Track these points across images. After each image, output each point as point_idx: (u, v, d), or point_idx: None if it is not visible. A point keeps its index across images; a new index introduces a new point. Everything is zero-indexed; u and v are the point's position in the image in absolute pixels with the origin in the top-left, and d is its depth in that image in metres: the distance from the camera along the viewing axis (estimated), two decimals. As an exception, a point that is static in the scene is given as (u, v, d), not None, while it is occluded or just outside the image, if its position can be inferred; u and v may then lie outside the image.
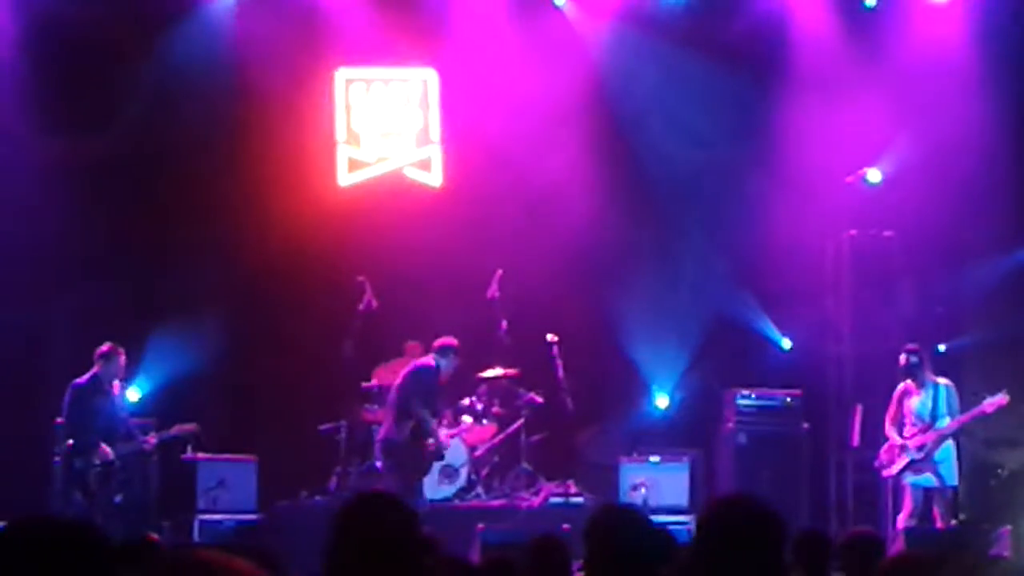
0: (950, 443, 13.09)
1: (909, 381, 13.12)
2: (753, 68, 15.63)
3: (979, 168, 15.23)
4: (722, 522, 3.81)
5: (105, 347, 12.99)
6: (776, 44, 15.86)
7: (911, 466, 13.03)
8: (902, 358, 13.16)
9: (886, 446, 13.22)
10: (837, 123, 15.18)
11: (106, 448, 12.77)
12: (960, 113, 15.16)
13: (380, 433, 13.50)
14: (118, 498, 12.89)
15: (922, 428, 13.00)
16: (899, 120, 15.40)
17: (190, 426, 13.37)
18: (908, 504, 13.03)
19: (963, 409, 13.02)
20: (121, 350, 13.07)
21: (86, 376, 12.95)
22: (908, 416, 13.09)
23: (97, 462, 12.68)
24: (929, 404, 13.01)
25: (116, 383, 13.08)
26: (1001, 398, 12.91)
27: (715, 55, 15.51)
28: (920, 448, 12.96)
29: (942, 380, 13.13)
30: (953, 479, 13.12)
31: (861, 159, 15.49)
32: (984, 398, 13.00)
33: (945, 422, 12.96)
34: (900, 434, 13.10)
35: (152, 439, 13.21)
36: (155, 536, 7.29)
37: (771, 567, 3.73)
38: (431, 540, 6.05)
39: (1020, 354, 15.33)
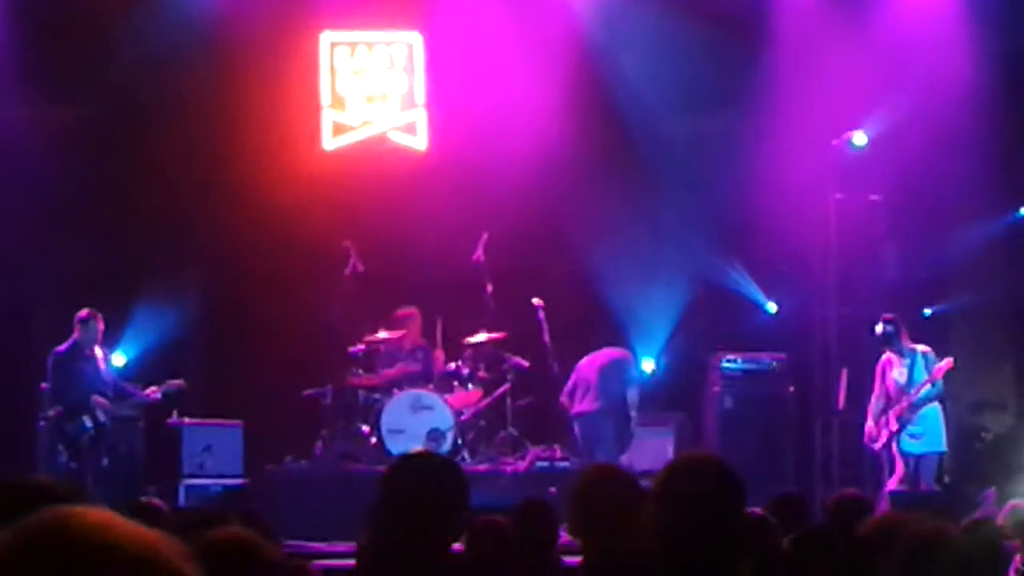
0: (936, 407, 13.12)
1: (889, 352, 13.17)
2: (738, 32, 15.56)
3: (966, 131, 15.21)
4: (677, 480, 3.81)
5: (83, 313, 13.03)
6: (761, 7, 15.82)
7: (898, 434, 13.08)
8: (877, 327, 13.21)
9: (869, 423, 13.29)
10: (823, 86, 15.16)
11: (101, 399, 12.83)
12: (947, 76, 15.14)
13: (577, 408, 14.09)
14: (105, 461, 12.95)
15: (900, 397, 13.06)
16: (885, 83, 15.38)
17: (178, 382, 13.42)
18: (900, 468, 13.08)
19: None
20: (99, 315, 13.10)
21: (66, 343, 12.99)
22: (891, 388, 13.15)
23: (89, 425, 12.75)
24: (906, 373, 13.07)
25: (97, 348, 13.11)
26: (947, 362, 13.05)
27: (701, 19, 15.43)
28: (898, 418, 13.02)
29: (920, 347, 13.19)
30: (940, 445, 13.15)
31: (847, 122, 15.46)
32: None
33: (925, 390, 13.02)
34: (887, 407, 13.13)
35: (154, 392, 13.29)
36: (158, 501, 7.26)
37: (728, 523, 3.73)
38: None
39: (1005, 318, 15.38)
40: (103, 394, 13.00)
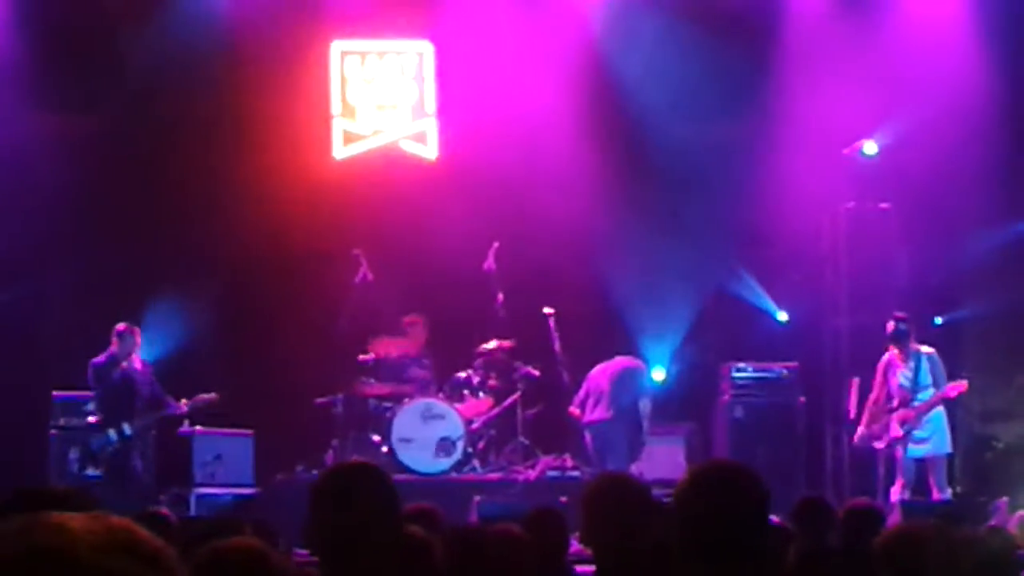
0: (940, 410, 13.15)
1: (893, 352, 13.20)
2: (749, 41, 15.58)
3: (976, 140, 15.20)
4: (700, 489, 3.75)
5: (121, 326, 13.23)
6: (772, 16, 15.82)
7: (900, 439, 13.09)
8: (890, 325, 13.24)
9: (866, 419, 13.31)
10: (833, 95, 15.14)
11: (172, 403, 13.14)
12: (956, 84, 15.13)
13: (589, 417, 14.15)
14: (139, 465, 13.04)
15: (905, 400, 13.07)
16: (896, 92, 15.36)
17: (209, 396, 13.46)
18: (901, 476, 13.08)
19: (949, 375, 13.14)
20: (136, 329, 13.28)
21: (103, 355, 13.11)
22: (894, 389, 13.16)
23: (114, 438, 12.86)
24: (911, 375, 13.09)
25: (136, 359, 13.20)
26: (961, 383, 13.09)
27: (712, 28, 15.45)
28: (903, 423, 13.03)
29: (925, 349, 13.21)
30: (945, 447, 13.17)
31: (858, 131, 15.45)
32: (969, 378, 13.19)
33: (928, 393, 13.06)
34: (889, 407, 13.15)
35: (184, 405, 13.32)
36: (166, 510, 7.26)
37: (754, 528, 3.68)
38: (431, 511, 6.04)
39: (1017, 326, 15.34)
40: (134, 404, 13.09)
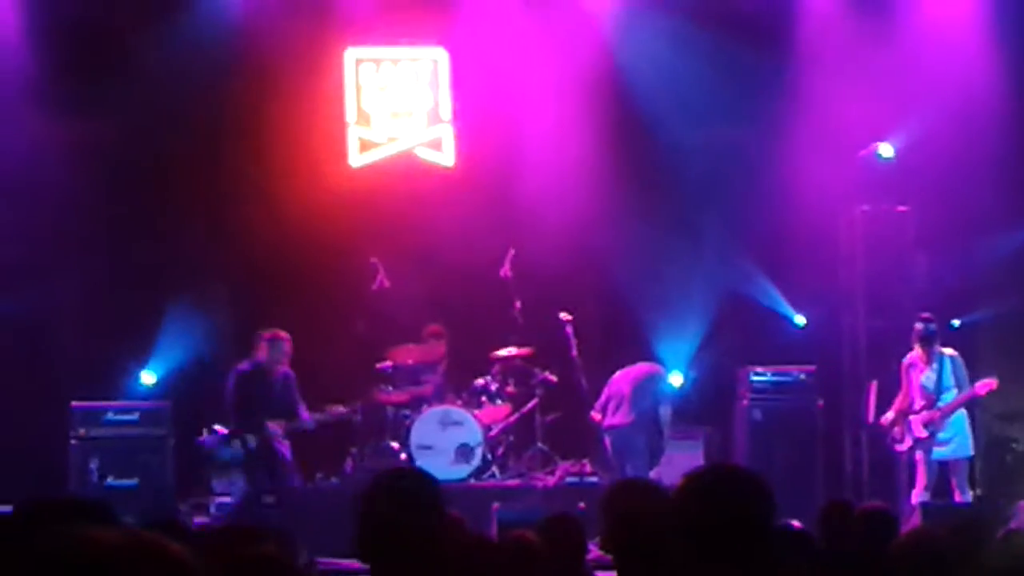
0: (962, 413, 13.15)
1: (917, 352, 13.21)
2: (764, 43, 15.55)
3: (992, 141, 15.17)
4: (697, 488, 3.72)
5: (268, 332, 13.24)
6: (787, 18, 15.81)
7: (924, 441, 13.09)
8: (918, 326, 13.23)
9: (891, 420, 13.32)
10: (848, 97, 15.13)
11: (274, 426, 13.04)
12: (973, 85, 15.11)
13: (610, 421, 14.17)
14: (263, 482, 13.14)
15: (928, 401, 13.07)
16: (911, 93, 15.34)
17: (339, 409, 13.48)
18: (922, 478, 13.09)
19: (970, 377, 13.10)
20: (285, 335, 13.19)
21: (247, 362, 13.14)
22: (916, 390, 13.17)
23: (240, 452, 12.88)
24: (934, 377, 13.11)
25: (281, 368, 13.18)
26: (991, 381, 13.05)
27: (726, 31, 15.43)
28: (927, 425, 13.04)
29: (948, 351, 13.22)
30: (968, 450, 13.17)
31: (873, 133, 15.43)
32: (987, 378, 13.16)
33: (951, 395, 13.06)
34: (912, 408, 13.17)
35: (309, 419, 13.35)
36: (181, 520, 7.28)
37: (754, 531, 3.63)
38: (455, 518, 6.05)
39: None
40: (266, 416, 13.08)
